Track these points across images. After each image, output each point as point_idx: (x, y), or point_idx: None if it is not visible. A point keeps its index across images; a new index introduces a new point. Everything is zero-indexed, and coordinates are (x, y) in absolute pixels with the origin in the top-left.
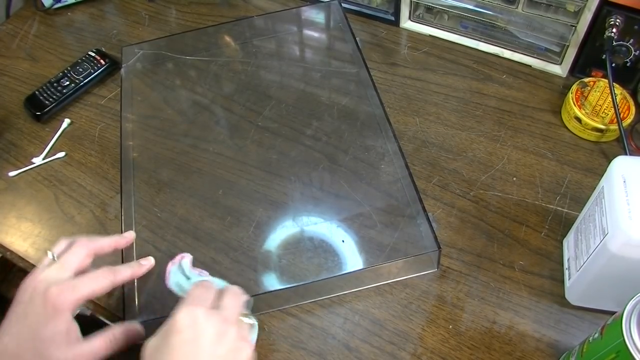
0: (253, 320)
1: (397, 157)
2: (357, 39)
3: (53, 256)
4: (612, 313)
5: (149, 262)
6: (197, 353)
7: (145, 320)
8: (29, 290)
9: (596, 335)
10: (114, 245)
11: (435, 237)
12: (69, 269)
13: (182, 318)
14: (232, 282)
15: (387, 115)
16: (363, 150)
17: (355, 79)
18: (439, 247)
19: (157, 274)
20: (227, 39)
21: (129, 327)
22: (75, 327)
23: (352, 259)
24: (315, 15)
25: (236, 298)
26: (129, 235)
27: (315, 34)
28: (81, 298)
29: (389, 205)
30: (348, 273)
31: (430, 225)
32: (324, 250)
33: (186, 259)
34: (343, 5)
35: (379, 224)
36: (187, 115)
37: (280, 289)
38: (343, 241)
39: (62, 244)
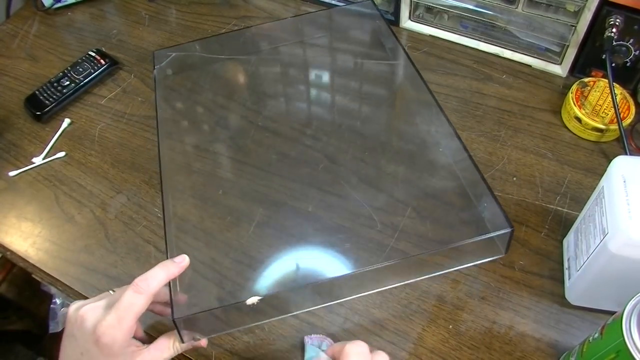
0: None
1: (398, 155)
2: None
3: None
4: (612, 313)
5: (184, 260)
6: None
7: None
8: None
9: (596, 335)
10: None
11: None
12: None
13: None
14: (232, 282)
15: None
16: (363, 149)
17: (357, 79)
18: (512, 226)
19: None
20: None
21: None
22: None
23: (355, 259)
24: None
25: None
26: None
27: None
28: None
29: (389, 204)
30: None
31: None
32: (325, 251)
33: (327, 342)
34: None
35: (379, 224)
36: (187, 115)
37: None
38: (346, 244)
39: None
